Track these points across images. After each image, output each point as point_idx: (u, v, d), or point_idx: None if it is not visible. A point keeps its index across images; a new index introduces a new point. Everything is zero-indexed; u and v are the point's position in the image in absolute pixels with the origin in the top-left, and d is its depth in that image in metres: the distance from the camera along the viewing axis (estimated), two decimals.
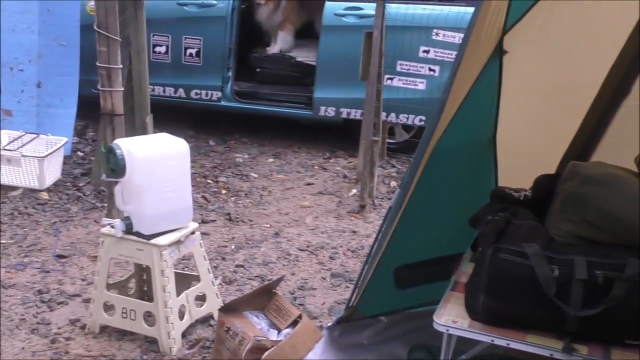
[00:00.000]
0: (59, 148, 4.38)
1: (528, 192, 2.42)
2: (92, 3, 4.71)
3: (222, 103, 5.42)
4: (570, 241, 2.13)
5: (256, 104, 5.46)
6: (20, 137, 4.43)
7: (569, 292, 1.98)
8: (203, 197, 4.42)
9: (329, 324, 2.85)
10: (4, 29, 4.67)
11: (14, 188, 4.26)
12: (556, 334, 2.03)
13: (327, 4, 5.10)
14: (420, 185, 2.39)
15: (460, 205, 2.52)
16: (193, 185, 3.20)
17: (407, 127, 5.39)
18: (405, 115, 5.13)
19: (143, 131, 3.94)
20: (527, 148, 2.70)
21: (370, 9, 4.71)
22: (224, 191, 4.58)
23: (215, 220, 4.13)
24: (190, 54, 5.32)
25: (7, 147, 4.30)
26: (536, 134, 2.68)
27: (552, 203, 2.30)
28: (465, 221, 2.38)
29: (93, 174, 4.45)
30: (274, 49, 5.75)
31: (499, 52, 2.41)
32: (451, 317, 2.13)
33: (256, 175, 4.90)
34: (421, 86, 4.99)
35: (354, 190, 4.65)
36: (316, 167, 5.11)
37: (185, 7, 5.27)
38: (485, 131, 2.68)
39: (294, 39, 5.81)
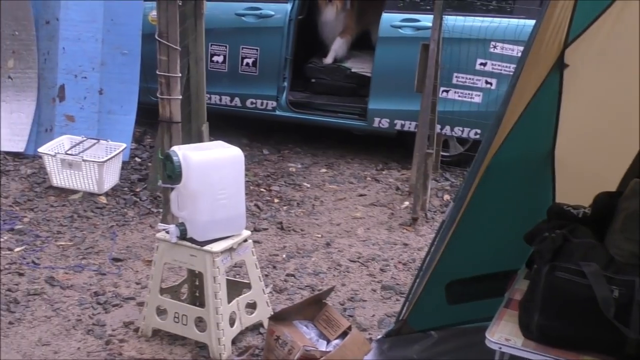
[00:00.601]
0: (118, 153, 4.49)
1: (587, 209, 2.36)
2: (154, 13, 4.82)
3: (277, 113, 5.46)
4: (631, 261, 2.06)
5: (310, 114, 5.49)
6: (81, 142, 4.56)
7: (629, 314, 1.92)
8: (256, 205, 4.46)
9: (379, 337, 2.83)
10: (70, 38, 4.83)
11: (74, 191, 4.39)
12: (614, 356, 1.97)
13: (384, 15, 5.10)
14: (475, 199, 2.36)
15: (515, 220, 2.47)
16: (246, 194, 3.23)
17: (461, 140, 5.32)
18: (460, 128, 5.07)
19: (199, 139, 4.01)
20: (586, 164, 2.63)
21: (427, 20, 4.68)
22: (276, 200, 4.61)
23: (267, 229, 4.16)
24: (247, 64, 5.39)
25: (69, 152, 4.43)
26: (596, 150, 2.61)
27: (612, 221, 2.23)
28: (520, 237, 2.34)
29: (150, 179, 4.54)
30: (329, 58, 5.78)
31: (560, 65, 2.36)
32: (504, 335, 2.08)
33: (309, 185, 4.91)
34: (477, 99, 4.93)
35: (407, 203, 4.62)
36: (369, 179, 5.09)
37: (243, 18, 5.34)
38: (544, 146, 2.62)
39: (348, 49, 5.82)
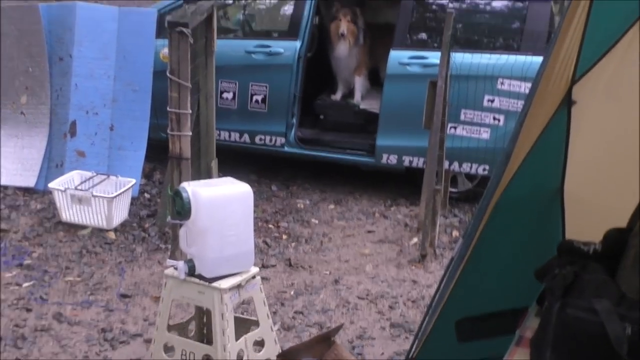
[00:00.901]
0: (127, 189, 4.51)
1: (598, 245, 2.34)
2: (166, 50, 4.89)
3: (286, 149, 5.49)
4: None
5: (319, 150, 5.51)
6: (91, 177, 4.59)
7: None
8: (264, 242, 4.45)
9: None
10: (83, 75, 4.90)
11: (84, 227, 4.40)
12: None
13: (392, 52, 5.15)
14: (484, 235, 2.34)
15: (526, 257, 2.45)
16: (255, 230, 3.23)
17: (470, 176, 5.32)
18: (469, 164, 5.08)
19: (208, 175, 4.02)
20: (596, 200, 2.62)
21: (434, 58, 4.73)
22: (284, 236, 4.61)
23: (275, 266, 4.15)
24: (256, 100, 5.43)
25: (79, 187, 4.46)
26: (606, 185, 2.60)
27: (623, 258, 2.21)
28: (531, 274, 2.31)
29: (158, 215, 4.55)
30: (338, 95, 5.83)
31: (568, 102, 2.37)
32: None
33: (317, 222, 4.91)
34: (485, 135, 4.94)
35: (415, 239, 4.60)
36: (377, 215, 5.09)
37: (253, 55, 5.40)
38: (553, 182, 2.61)
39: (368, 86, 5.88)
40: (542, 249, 2.44)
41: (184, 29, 3.31)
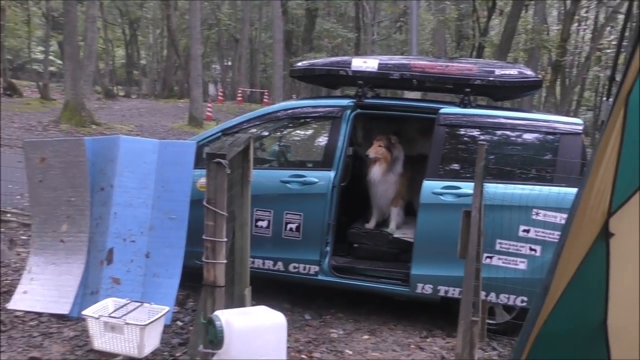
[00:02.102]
0: (160, 317, 4.49)
1: None
2: (203, 180, 5.04)
3: (319, 277, 5.46)
4: None
5: (353, 279, 5.47)
6: (125, 305, 4.59)
7: None
8: None
9: None
10: (122, 204, 5.03)
11: (114, 355, 4.35)
12: None
13: (425, 182, 5.21)
14: None
15: None
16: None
17: (508, 308, 5.20)
18: (506, 295, 4.97)
19: (241, 303, 4.01)
20: None
21: (468, 188, 4.77)
22: None
23: None
24: (291, 229, 5.48)
25: (113, 314, 4.45)
26: None
27: None
28: None
29: (190, 344, 4.48)
30: (372, 224, 5.86)
31: (605, 234, 2.35)
32: None
33: (351, 352, 4.78)
34: (522, 266, 4.87)
35: None
36: (412, 346, 4.94)
37: (288, 185, 5.51)
38: (595, 316, 2.53)
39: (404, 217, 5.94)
40: None
41: (222, 160, 3.44)
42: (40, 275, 5.10)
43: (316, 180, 5.47)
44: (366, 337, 5.10)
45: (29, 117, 18.33)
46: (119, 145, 5.10)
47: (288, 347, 4.28)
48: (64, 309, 4.96)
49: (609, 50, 20.12)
